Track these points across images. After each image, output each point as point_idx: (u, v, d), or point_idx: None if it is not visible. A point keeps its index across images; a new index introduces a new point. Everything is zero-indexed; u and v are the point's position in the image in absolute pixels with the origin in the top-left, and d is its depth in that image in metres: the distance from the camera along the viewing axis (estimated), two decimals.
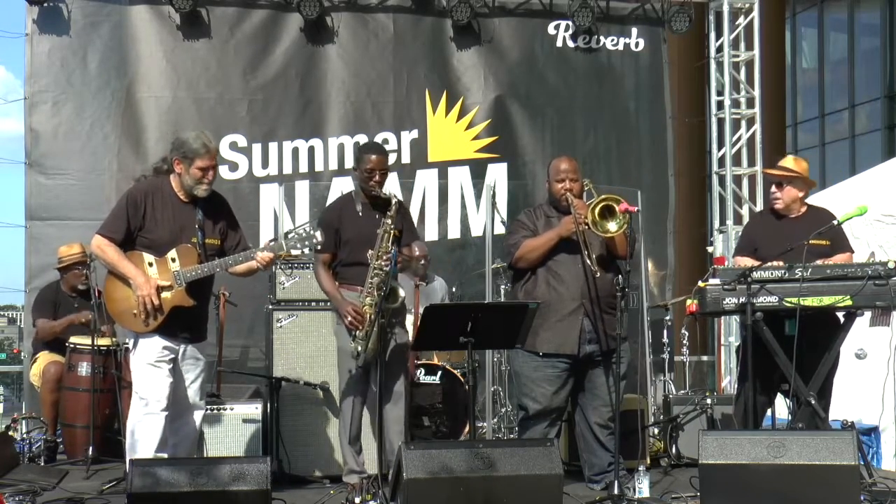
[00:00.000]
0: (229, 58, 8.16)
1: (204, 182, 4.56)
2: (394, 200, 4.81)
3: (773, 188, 5.37)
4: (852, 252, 5.30)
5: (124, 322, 4.53)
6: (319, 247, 4.67)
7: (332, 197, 7.94)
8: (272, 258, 4.59)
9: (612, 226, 4.83)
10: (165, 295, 4.49)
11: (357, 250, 4.84)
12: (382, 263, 4.70)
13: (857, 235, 6.16)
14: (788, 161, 5.46)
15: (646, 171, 8.74)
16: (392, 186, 8.05)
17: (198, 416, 4.76)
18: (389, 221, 4.77)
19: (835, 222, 5.05)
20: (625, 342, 5.01)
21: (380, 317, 4.62)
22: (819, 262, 5.00)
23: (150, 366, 4.49)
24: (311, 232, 4.56)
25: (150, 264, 4.49)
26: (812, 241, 5.03)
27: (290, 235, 4.61)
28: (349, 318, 4.71)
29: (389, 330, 4.80)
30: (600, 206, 4.83)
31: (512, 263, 5.16)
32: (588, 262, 4.87)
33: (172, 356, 4.54)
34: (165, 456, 4.47)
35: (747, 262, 5.18)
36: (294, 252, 4.63)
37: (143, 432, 4.47)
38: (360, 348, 4.69)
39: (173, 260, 4.51)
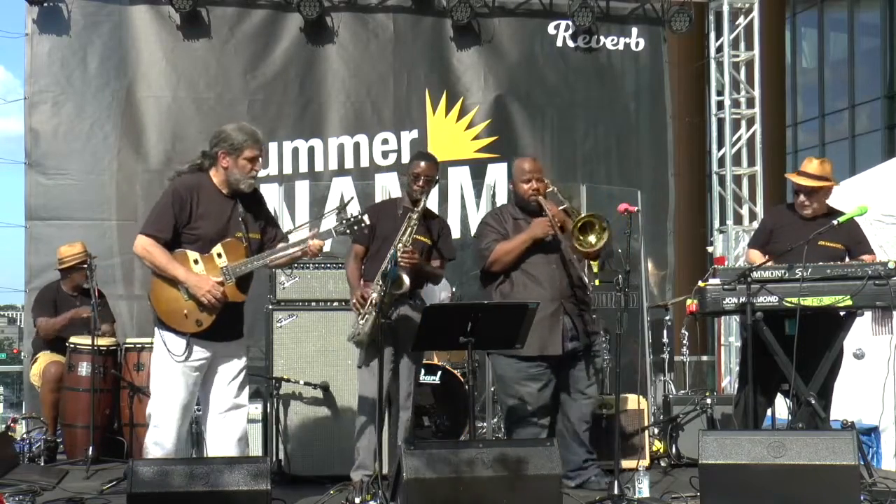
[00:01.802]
0: (229, 58, 8.14)
1: (252, 174, 4.43)
2: (422, 201, 4.92)
3: (802, 196, 5.24)
4: (873, 254, 5.26)
5: (174, 323, 4.32)
6: (366, 227, 4.65)
7: (332, 197, 8.02)
8: (322, 245, 4.55)
9: (592, 238, 4.91)
10: None
11: (387, 246, 4.90)
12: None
13: None
14: (814, 166, 5.26)
15: (646, 171, 8.72)
16: (392, 186, 8.09)
17: (241, 414, 4.56)
18: (415, 216, 4.87)
19: (834, 222, 5.04)
20: (598, 336, 5.28)
21: (380, 287, 4.67)
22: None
23: (185, 372, 4.33)
24: (360, 216, 4.56)
25: (196, 262, 4.31)
26: (825, 243, 5.04)
27: (338, 224, 4.56)
28: (353, 300, 4.87)
29: (393, 309, 4.87)
30: (581, 223, 4.90)
31: (486, 268, 5.18)
32: (573, 256, 4.99)
33: (205, 361, 4.40)
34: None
35: (756, 256, 5.24)
36: (343, 236, 4.62)
37: (159, 441, 4.35)
38: (359, 331, 4.80)
39: (219, 255, 4.34)
